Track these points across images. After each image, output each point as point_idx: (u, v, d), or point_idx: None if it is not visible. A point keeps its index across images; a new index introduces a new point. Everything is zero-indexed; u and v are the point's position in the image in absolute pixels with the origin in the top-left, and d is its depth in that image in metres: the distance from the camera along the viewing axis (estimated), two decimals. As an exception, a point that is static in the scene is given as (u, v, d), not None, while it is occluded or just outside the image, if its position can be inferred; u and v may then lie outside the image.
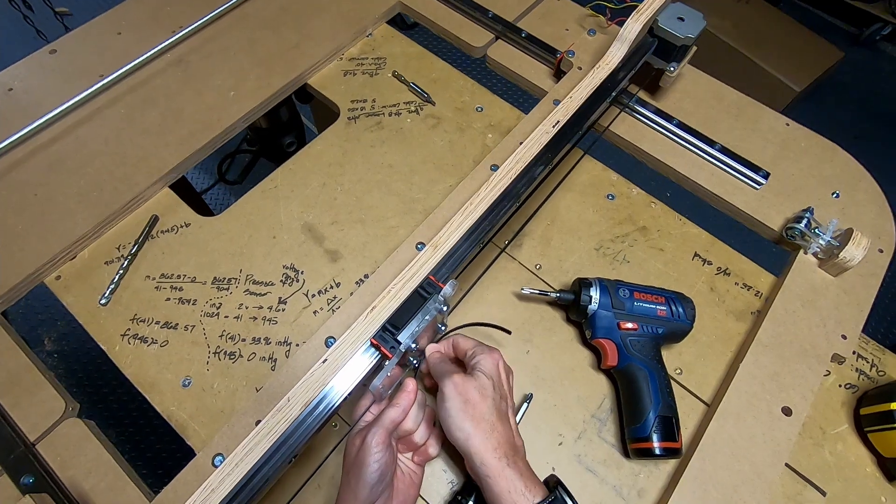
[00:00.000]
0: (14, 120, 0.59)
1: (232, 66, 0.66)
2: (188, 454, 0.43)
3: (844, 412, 0.51)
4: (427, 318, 0.40)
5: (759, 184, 0.60)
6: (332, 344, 0.43)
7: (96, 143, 0.60)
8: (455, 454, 0.47)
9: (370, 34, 0.73)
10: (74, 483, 0.42)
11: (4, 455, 0.42)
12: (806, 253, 0.56)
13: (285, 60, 0.67)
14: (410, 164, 0.63)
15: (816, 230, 0.54)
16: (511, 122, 0.66)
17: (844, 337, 0.52)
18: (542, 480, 0.39)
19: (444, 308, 0.41)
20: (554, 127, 0.53)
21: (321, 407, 0.40)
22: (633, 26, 0.57)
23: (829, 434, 0.50)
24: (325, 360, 0.40)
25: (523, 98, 0.71)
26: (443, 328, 0.45)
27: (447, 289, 0.40)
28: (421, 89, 0.67)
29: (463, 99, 0.68)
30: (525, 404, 0.49)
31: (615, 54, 0.58)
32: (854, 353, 0.54)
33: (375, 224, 0.58)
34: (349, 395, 0.40)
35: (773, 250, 0.59)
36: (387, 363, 0.39)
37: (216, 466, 0.39)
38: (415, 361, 0.43)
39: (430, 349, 0.45)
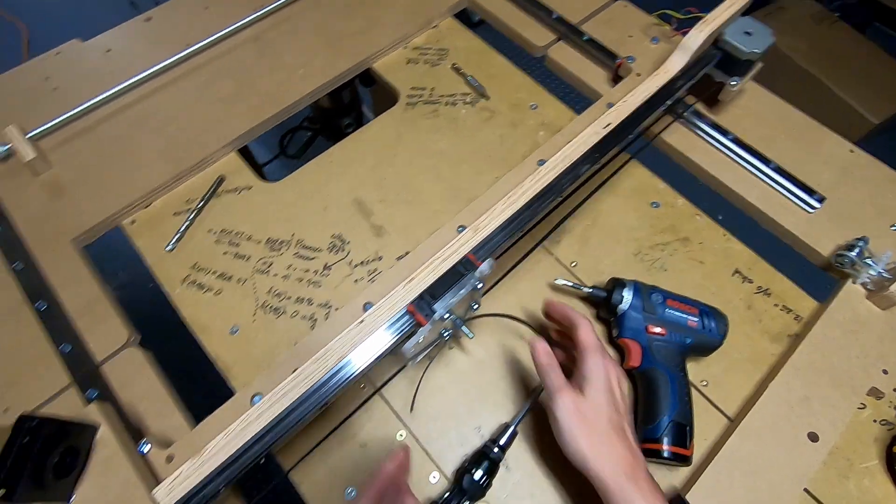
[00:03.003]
0: (109, 78, 0.65)
1: (303, 47, 0.70)
2: (229, 394, 0.47)
3: (876, 448, 0.50)
4: (462, 291, 0.42)
5: (812, 207, 0.59)
6: (370, 308, 0.46)
7: (177, 106, 0.65)
8: (467, 422, 0.49)
9: (436, 25, 0.75)
10: (130, 403, 0.47)
11: (76, 369, 0.48)
12: (854, 282, 0.55)
13: (353, 45, 0.71)
14: (461, 153, 0.65)
15: (868, 260, 0.53)
16: (563, 122, 0.67)
17: (885, 372, 0.51)
18: (667, 499, 0.38)
19: (480, 285, 0.43)
20: (604, 128, 0.54)
21: (353, 364, 0.42)
22: (698, 36, 0.57)
23: (857, 467, 0.48)
24: (363, 320, 0.43)
25: (578, 99, 0.71)
26: (475, 307, 0.47)
27: (484, 266, 0.42)
28: (477, 83, 0.69)
29: (518, 95, 0.69)
30: (535, 396, 0.50)
31: (675, 63, 0.58)
32: (895, 389, 0.52)
33: (420, 206, 0.61)
34: (382, 355, 0.42)
35: (820, 276, 0.58)
36: (419, 330, 0.42)
37: (254, 404, 0.43)
38: (446, 334, 0.45)
39: (540, 350, 0.43)
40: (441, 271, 0.45)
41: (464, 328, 0.45)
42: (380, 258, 0.58)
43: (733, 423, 0.50)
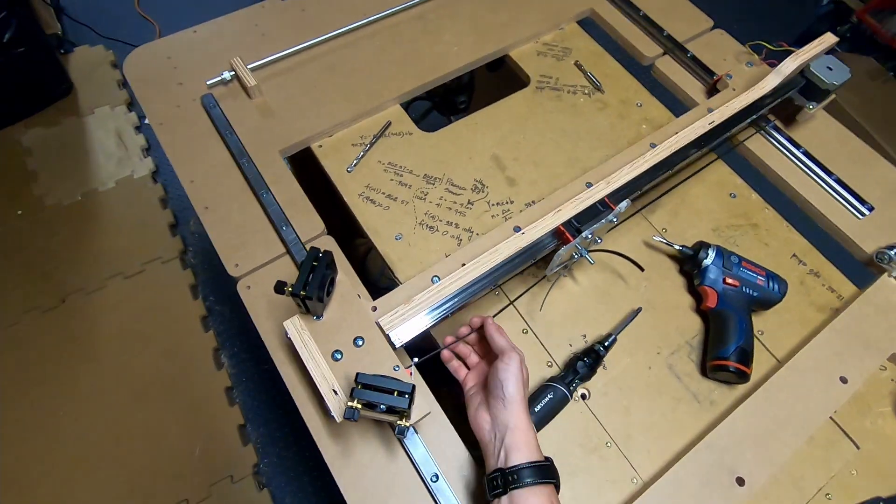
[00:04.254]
0: (304, 31, 0.81)
1: (458, 29, 0.86)
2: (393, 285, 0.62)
3: (890, 400, 0.63)
4: (603, 221, 0.57)
5: (862, 214, 0.72)
6: (519, 230, 0.61)
7: (358, 61, 0.81)
8: (574, 329, 0.63)
9: (562, 28, 0.90)
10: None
11: (293, 243, 0.63)
12: (890, 276, 0.68)
13: (497, 33, 0.86)
14: (578, 132, 0.80)
15: (904, 259, 0.67)
16: (663, 120, 0.81)
17: (906, 345, 0.64)
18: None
19: (615, 220, 0.58)
20: (710, 124, 0.68)
21: (508, 265, 0.57)
22: (791, 64, 0.71)
23: (874, 410, 0.62)
24: (523, 231, 0.58)
25: (675, 105, 0.86)
26: (599, 241, 0.62)
27: (623, 204, 0.57)
28: (595, 79, 0.84)
29: (627, 94, 0.84)
30: (634, 315, 0.64)
31: (770, 82, 0.72)
32: (910, 361, 0.66)
33: (545, 168, 0.76)
34: (535, 259, 0.57)
35: (862, 270, 0.72)
36: (563, 248, 0.57)
37: (433, 283, 0.58)
38: (576, 256, 0.60)
39: (491, 322, 0.56)
40: (582, 208, 0.59)
41: (587, 255, 0.60)
42: (511, 202, 0.72)
43: (780, 363, 0.64)
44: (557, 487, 0.48)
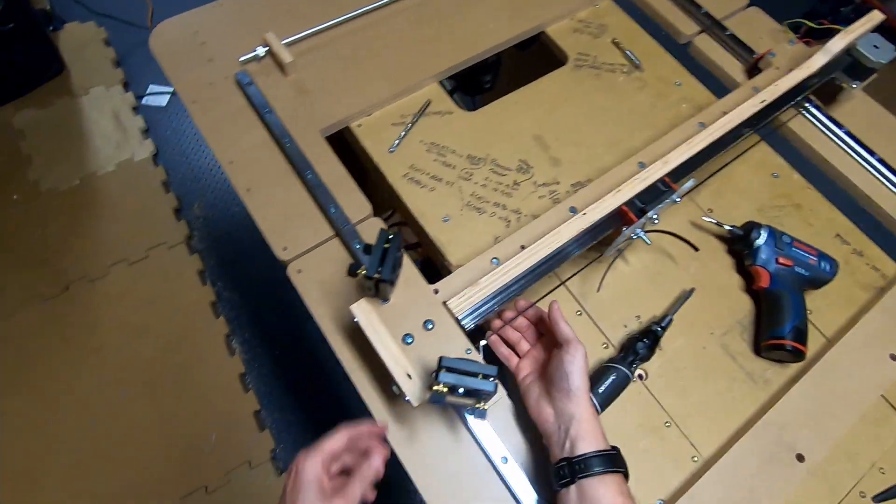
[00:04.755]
0: (332, 6, 0.78)
1: (493, 6, 0.83)
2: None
3: (935, 376, 0.64)
4: (667, 201, 0.56)
5: (904, 193, 0.73)
6: (575, 212, 0.60)
7: (393, 38, 0.78)
8: (629, 310, 0.63)
9: (597, 5, 0.88)
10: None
11: (342, 225, 0.61)
12: (932, 254, 0.69)
13: (532, 10, 0.84)
14: (618, 112, 0.78)
15: (947, 237, 0.67)
16: (702, 99, 0.81)
17: (950, 322, 0.65)
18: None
19: (678, 199, 0.57)
20: (761, 103, 0.67)
21: (572, 247, 0.56)
22: (840, 42, 0.71)
23: (921, 386, 0.63)
24: (584, 213, 0.57)
25: (714, 84, 0.85)
26: (656, 220, 0.61)
27: (689, 184, 0.56)
28: (634, 56, 0.83)
29: (665, 72, 0.83)
30: (687, 297, 0.64)
31: (818, 60, 0.72)
32: (952, 339, 0.67)
33: (587, 148, 0.75)
34: (594, 240, 0.56)
35: (904, 249, 0.72)
36: (629, 228, 0.56)
37: (494, 265, 0.57)
38: (634, 236, 0.59)
39: (557, 308, 0.53)
40: (641, 188, 0.59)
41: (644, 236, 0.59)
42: (557, 183, 0.71)
43: (830, 342, 0.64)
44: (626, 476, 0.48)
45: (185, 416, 1.36)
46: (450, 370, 0.43)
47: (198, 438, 1.34)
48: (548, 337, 0.55)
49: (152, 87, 1.92)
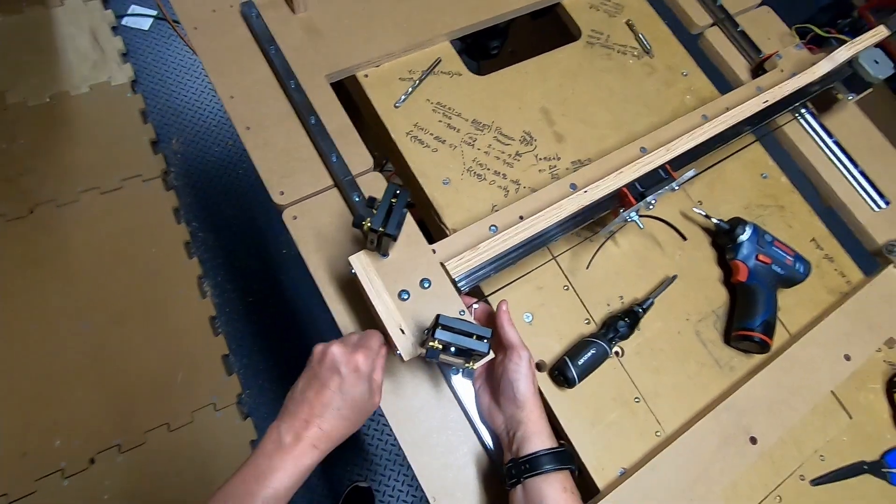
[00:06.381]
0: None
1: (513, -33, 0.81)
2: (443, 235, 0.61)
3: (881, 378, 0.70)
4: (666, 188, 0.58)
5: (879, 206, 0.77)
6: (575, 188, 0.61)
7: (409, -13, 0.76)
8: (613, 290, 0.65)
9: (616, -18, 0.87)
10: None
11: (342, 176, 0.60)
12: (895, 267, 0.73)
13: (552, -22, 0.82)
14: (626, 95, 0.79)
15: (911, 253, 0.72)
16: (706, 93, 0.82)
17: (900, 330, 0.70)
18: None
19: (676, 188, 0.59)
20: (764, 103, 0.69)
21: (570, 222, 0.57)
22: (845, 53, 0.72)
23: (867, 386, 0.69)
24: (586, 190, 0.58)
25: (718, 78, 0.86)
26: (651, 206, 0.62)
27: (689, 174, 0.58)
28: (646, 41, 0.83)
29: (675, 61, 0.83)
30: (669, 283, 0.66)
31: (822, 67, 0.73)
32: (900, 346, 0.72)
33: (592, 127, 0.75)
34: (590, 222, 0.58)
35: (870, 258, 0.77)
36: (627, 210, 0.57)
37: (492, 232, 0.57)
38: (629, 219, 0.61)
39: (506, 311, 0.54)
40: (642, 172, 0.60)
41: (638, 220, 0.61)
42: (558, 158, 0.72)
43: (792, 337, 0.68)
44: (573, 473, 0.49)
45: (151, 352, 1.34)
46: (445, 328, 0.44)
47: (163, 375, 1.33)
48: (496, 338, 0.54)
49: (134, 8, 1.80)
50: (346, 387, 0.45)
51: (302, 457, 0.43)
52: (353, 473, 1.39)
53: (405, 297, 0.50)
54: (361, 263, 0.49)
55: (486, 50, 1.05)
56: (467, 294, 0.56)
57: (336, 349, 0.46)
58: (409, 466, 1.35)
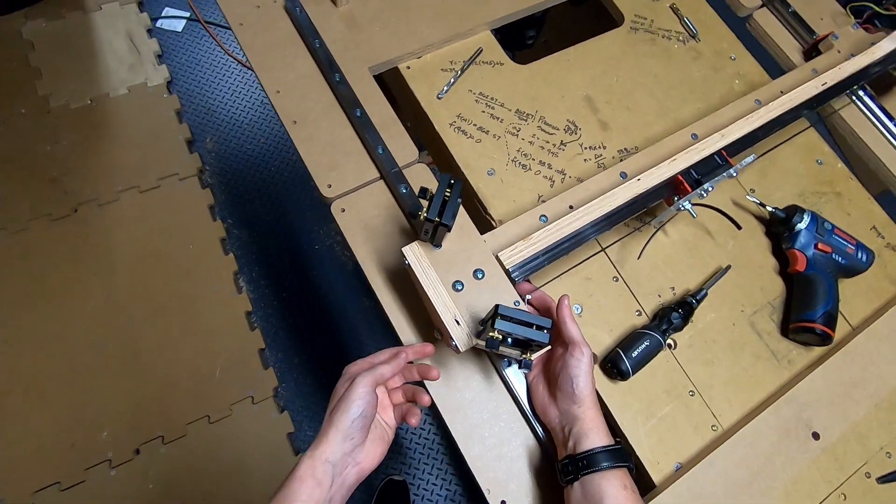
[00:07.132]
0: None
1: (553, -46, 0.79)
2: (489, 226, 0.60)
3: (949, 372, 0.66)
4: (723, 175, 0.56)
5: (944, 192, 0.73)
6: (626, 177, 0.59)
7: (448, -23, 0.75)
8: (664, 281, 0.63)
9: (659, -34, 0.85)
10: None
11: (389, 168, 0.60)
12: (962, 255, 0.70)
13: (593, -37, 0.80)
14: (671, 80, 0.76)
15: (981, 240, 0.68)
16: (755, 77, 0.79)
17: (970, 322, 0.66)
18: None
19: (735, 174, 0.57)
20: (823, 86, 0.66)
21: (623, 212, 0.56)
22: (911, 31, 0.69)
23: (934, 380, 0.65)
24: (639, 178, 0.57)
25: (768, 62, 0.83)
26: (704, 195, 0.61)
27: (749, 159, 0.56)
28: (692, 25, 0.80)
29: (722, 45, 0.80)
30: (723, 273, 0.64)
31: (884, 47, 0.70)
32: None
33: (637, 115, 0.73)
34: (642, 211, 0.56)
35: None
36: (677, 199, 0.55)
37: (542, 222, 0.56)
38: (682, 208, 0.59)
39: (567, 305, 0.51)
40: (697, 159, 0.58)
41: (691, 209, 0.59)
42: (604, 147, 0.70)
43: (855, 330, 0.65)
44: (631, 470, 0.48)
45: (190, 346, 1.37)
46: (505, 318, 0.43)
47: (202, 369, 1.36)
48: (553, 329, 0.52)
49: (168, 10, 1.84)
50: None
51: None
52: (388, 467, 1.40)
53: (459, 288, 0.50)
54: (415, 254, 0.49)
55: (522, 40, 1.04)
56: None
57: (360, 385, 0.46)
58: (443, 461, 1.35)
